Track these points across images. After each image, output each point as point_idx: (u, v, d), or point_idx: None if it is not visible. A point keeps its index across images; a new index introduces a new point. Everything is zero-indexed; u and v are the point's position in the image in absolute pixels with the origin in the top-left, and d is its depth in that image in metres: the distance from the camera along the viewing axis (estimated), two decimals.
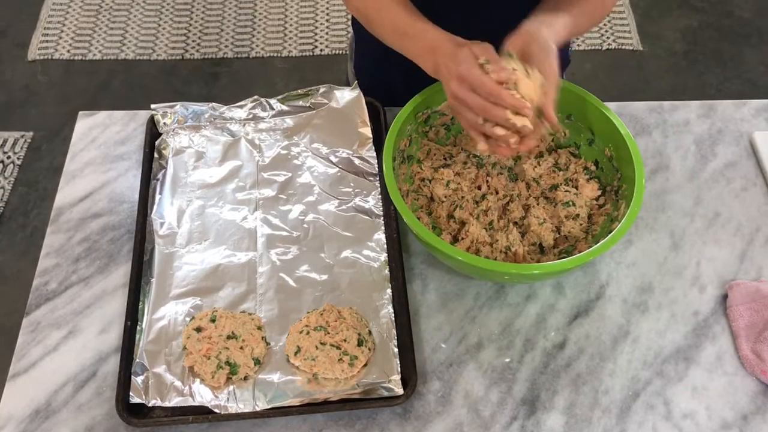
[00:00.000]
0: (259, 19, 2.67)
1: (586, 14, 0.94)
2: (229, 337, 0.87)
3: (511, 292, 0.96)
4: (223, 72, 2.52)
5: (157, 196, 1.00)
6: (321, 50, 2.58)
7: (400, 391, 0.84)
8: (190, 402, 0.83)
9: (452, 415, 0.86)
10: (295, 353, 0.86)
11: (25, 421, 0.84)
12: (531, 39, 0.84)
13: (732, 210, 1.05)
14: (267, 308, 0.91)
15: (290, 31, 2.64)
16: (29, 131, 2.32)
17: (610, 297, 0.96)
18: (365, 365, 0.86)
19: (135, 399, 0.83)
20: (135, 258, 0.94)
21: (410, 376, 0.85)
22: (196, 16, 2.68)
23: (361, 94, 1.09)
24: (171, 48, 2.58)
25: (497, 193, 1.00)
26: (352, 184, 1.03)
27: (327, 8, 2.71)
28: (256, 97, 1.10)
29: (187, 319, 0.90)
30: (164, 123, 1.07)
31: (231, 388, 0.84)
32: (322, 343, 0.86)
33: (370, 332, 0.89)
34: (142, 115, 1.13)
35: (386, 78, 1.17)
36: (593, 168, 1.02)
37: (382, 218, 0.99)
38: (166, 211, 0.99)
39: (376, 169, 1.04)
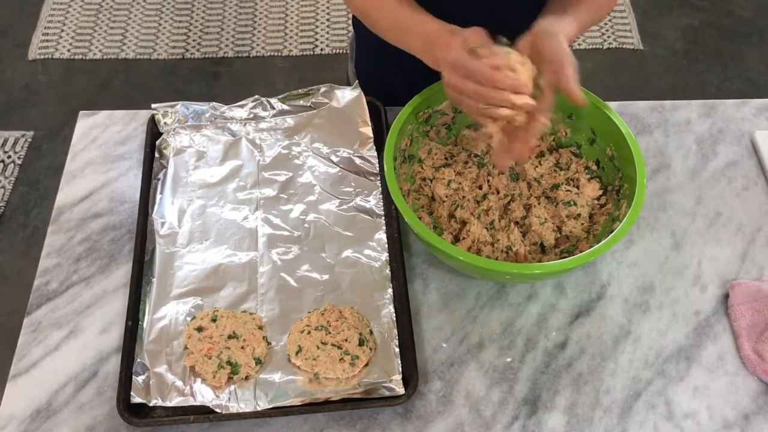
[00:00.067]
0: (260, 19, 2.67)
1: (592, 11, 0.95)
2: (230, 337, 0.87)
3: (512, 292, 0.96)
4: (224, 71, 2.52)
5: (158, 196, 1.00)
6: (322, 49, 2.58)
7: (401, 390, 0.84)
8: (191, 402, 0.83)
9: (453, 415, 0.86)
10: (297, 353, 0.86)
11: (26, 421, 0.84)
12: (540, 35, 0.84)
13: (733, 209, 1.04)
14: (268, 308, 0.91)
15: (291, 31, 2.64)
16: (30, 131, 2.32)
17: (611, 297, 0.96)
18: (366, 365, 0.86)
19: (136, 399, 0.83)
20: (136, 258, 0.94)
21: (411, 375, 0.85)
22: (197, 15, 2.68)
23: (362, 94, 1.09)
24: (171, 47, 2.58)
25: (498, 192, 1.00)
26: (353, 184, 1.03)
27: (328, 7, 2.71)
28: (256, 96, 1.10)
29: (188, 318, 0.90)
30: (165, 122, 1.07)
31: (232, 387, 0.84)
32: (323, 343, 0.86)
33: (371, 332, 0.89)
34: (143, 115, 1.13)
35: (387, 77, 1.17)
36: (594, 167, 1.02)
37: (383, 218, 0.99)
38: (167, 210, 0.99)
39: (377, 168, 1.04)
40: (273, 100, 1.10)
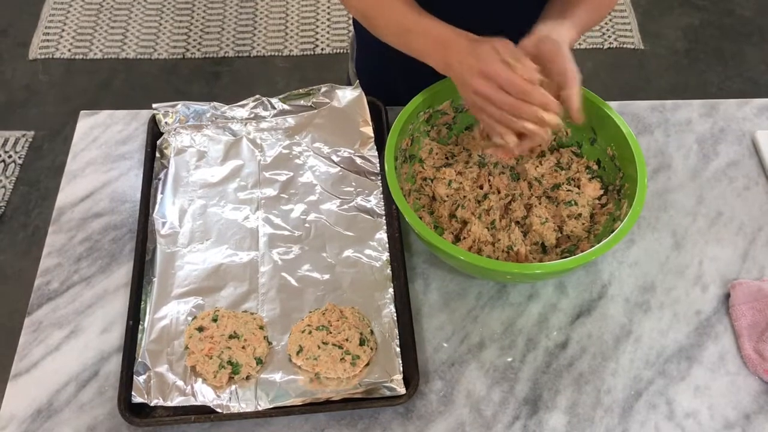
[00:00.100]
0: (261, 18, 2.67)
1: (592, 11, 0.95)
2: (231, 337, 0.87)
3: (513, 292, 0.96)
4: (225, 71, 2.52)
5: (159, 196, 1.00)
6: (322, 49, 2.58)
7: (402, 390, 0.84)
8: (192, 401, 0.83)
9: (454, 415, 0.86)
10: (297, 353, 0.86)
11: (27, 421, 0.84)
12: (543, 40, 0.85)
13: (734, 209, 1.04)
14: (269, 308, 0.91)
15: (291, 30, 2.64)
16: (30, 130, 2.32)
17: (612, 296, 0.96)
18: (367, 365, 0.86)
19: (137, 398, 0.83)
20: (137, 257, 0.94)
21: (412, 375, 0.85)
22: (197, 15, 2.68)
23: (363, 94, 1.09)
24: (172, 47, 2.58)
25: (499, 192, 1.00)
26: (353, 184, 1.03)
27: (328, 7, 2.70)
28: (257, 96, 1.10)
29: (189, 318, 0.90)
30: (166, 122, 1.07)
31: (233, 387, 0.84)
32: (324, 343, 0.86)
33: (372, 332, 0.89)
34: (144, 115, 1.13)
35: (388, 77, 1.17)
36: (595, 167, 1.01)
37: (383, 218, 0.99)
38: (167, 210, 0.99)
39: (378, 168, 1.04)
40: (274, 100, 1.10)
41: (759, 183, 1.07)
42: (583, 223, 0.97)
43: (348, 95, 1.10)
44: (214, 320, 0.88)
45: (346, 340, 0.86)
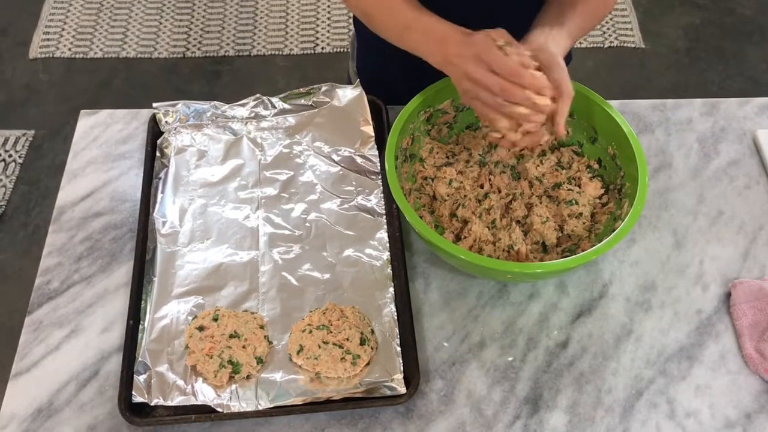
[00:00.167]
0: (261, 17, 2.67)
1: (588, 14, 0.95)
2: (231, 336, 0.87)
3: (513, 291, 0.96)
4: (225, 70, 2.52)
5: (159, 195, 1.00)
6: (323, 48, 2.58)
7: (402, 390, 0.84)
8: (192, 401, 0.83)
9: (455, 414, 0.86)
10: (298, 352, 0.86)
11: (27, 420, 0.84)
12: (540, 52, 0.85)
13: (735, 208, 1.04)
14: (269, 307, 0.91)
15: (292, 29, 2.63)
16: (31, 130, 2.32)
17: (613, 295, 0.96)
18: (368, 364, 0.86)
19: (137, 398, 0.83)
20: (137, 257, 0.94)
21: (413, 375, 0.85)
22: (198, 14, 2.68)
23: (363, 93, 1.09)
24: (172, 46, 2.58)
25: (500, 191, 1.00)
26: (354, 183, 1.03)
27: (328, 6, 2.70)
28: (258, 95, 1.10)
29: (190, 318, 0.90)
30: (166, 121, 1.07)
31: (233, 387, 0.84)
32: (324, 342, 0.86)
33: (372, 331, 0.89)
34: (144, 114, 1.13)
35: (388, 76, 1.17)
36: (596, 166, 1.01)
37: (384, 217, 0.99)
38: (168, 209, 0.99)
39: (379, 167, 1.04)
40: (274, 99, 1.10)
41: (760, 182, 1.07)
42: (584, 223, 0.97)
43: (348, 94, 1.10)
44: (215, 320, 0.88)
45: (347, 339, 0.86)
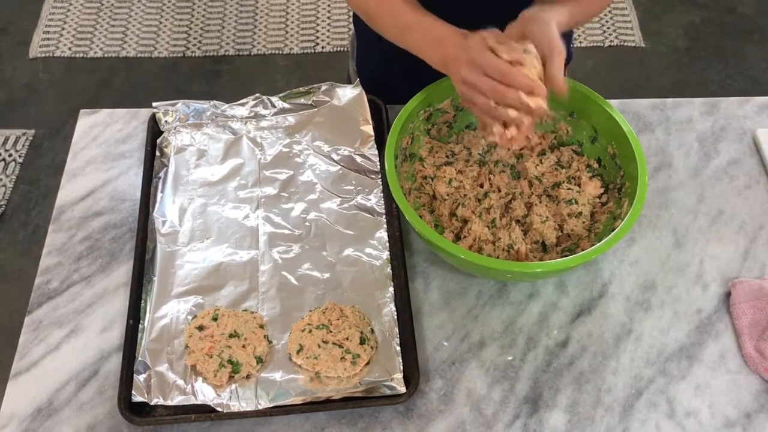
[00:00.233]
0: (261, 17, 2.67)
1: (585, 4, 0.95)
2: (231, 336, 0.87)
3: (513, 291, 0.96)
4: (225, 69, 2.52)
5: (159, 195, 1.00)
6: (323, 48, 2.58)
7: (402, 389, 0.84)
8: (192, 401, 0.83)
9: (455, 414, 0.86)
10: (298, 352, 0.86)
11: (27, 420, 0.84)
12: (530, 21, 0.85)
13: (735, 207, 1.04)
14: (269, 306, 0.91)
15: (292, 29, 2.63)
16: (31, 129, 2.32)
17: (612, 295, 0.96)
18: (367, 363, 0.86)
19: (137, 397, 0.83)
20: (137, 256, 0.94)
21: (413, 374, 0.85)
22: (198, 13, 2.68)
23: (363, 92, 1.09)
24: (172, 45, 2.57)
25: (500, 191, 1.00)
26: (354, 182, 1.03)
27: (328, 5, 2.70)
28: (257, 95, 1.10)
29: (189, 317, 0.90)
30: (166, 121, 1.07)
31: (233, 386, 0.84)
32: (324, 342, 0.86)
33: (372, 330, 0.89)
34: (144, 113, 1.13)
35: (388, 75, 1.17)
36: (596, 166, 1.01)
37: (384, 216, 0.99)
38: (167, 209, 0.99)
39: (378, 167, 1.04)
40: (274, 99, 1.10)
41: (760, 181, 1.07)
42: (584, 222, 0.96)
43: (348, 94, 1.09)
44: (215, 319, 0.88)
45: (347, 339, 0.86)
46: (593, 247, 0.84)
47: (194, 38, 2.60)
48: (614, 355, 0.91)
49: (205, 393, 0.83)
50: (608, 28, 2.63)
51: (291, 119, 1.09)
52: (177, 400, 0.83)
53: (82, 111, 1.14)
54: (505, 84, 0.81)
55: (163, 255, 0.95)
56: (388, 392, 0.84)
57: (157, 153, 1.05)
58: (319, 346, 0.86)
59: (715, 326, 0.93)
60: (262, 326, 0.89)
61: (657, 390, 0.88)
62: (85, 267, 0.97)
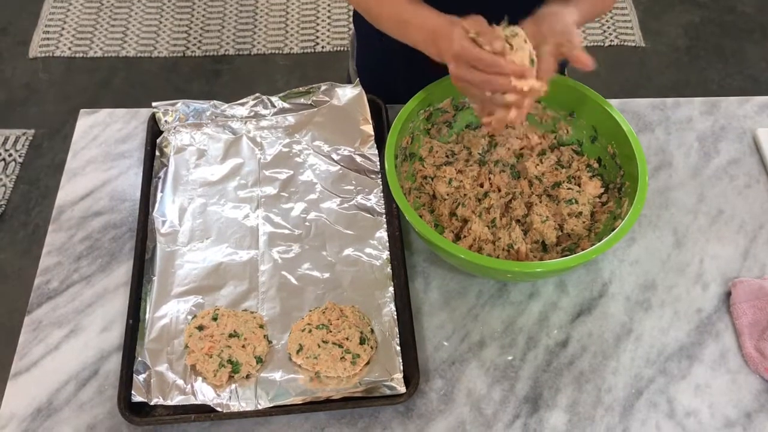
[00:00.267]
0: (261, 16, 2.67)
1: (592, 3, 0.95)
2: (231, 336, 0.87)
3: (513, 290, 0.96)
4: (225, 69, 2.52)
5: (159, 194, 1.00)
6: (323, 47, 2.58)
7: (402, 389, 0.84)
8: (192, 400, 0.83)
9: (455, 414, 0.86)
10: (297, 351, 0.86)
11: (27, 420, 0.84)
12: (545, 17, 0.85)
13: (735, 207, 1.04)
14: (269, 306, 0.91)
15: (292, 28, 2.63)
16: (30, 129, 2.32)
17: (613, 295, 0.96)
18: (367, 363, 0.86)
19: (137, 397, 0.83)
20: (136, 256, 0.94)
21: (413, 374, 0.85)
22: (198, 13, 2.68)
23: (363, 92, 1.09)
24: (172, 45, 2.57)
25: (500, 190, 0.99)
26: (353, 182, 1.03)
27: (328, 5, 2.70)
28: (257, 94, 1.10)
29: (189, 317, 0.90)
30: (166, 121, 1.07)
31: (233, 386, 0.84)
32: (324, 342, 0.86)
33: (372, 330, 0.89)
34: (144, 113, 1.13)
35: (388, 75, 1.17)
36: (596, 165, 1.01)
37: (384, 216, 0.99)
38: (167, 209, 0.99)
39: (378, 166, 1.04)
40: (274, 98, 1.09)
41: (760, 181, 1.07)
42: (584, 222, 0.96)
43: (348, 93, 1.09)
44: (214, 319, 0.88)
45: (347, 338, 0.86)
46: (593, 246, 0.84)
47: (194, 38, 2.60)
48: (614, 355, 0.90)
49: (204, 393, 0.83)
50: (608, 27, 2.63)
51: (291, 119, 1.09)
52: (177, 400, 0.83)
53: (82, 111, 1.14)
54: (493, 74, 0.81)
55: (163, 255, 0.95)
56: (388, 392, 0.84)
57: (157, 153, 1.05)
58: (319, 346, 0.86)
59: (715, 326, 0.93)
60: (261, 326, 0.89)
61: (657, 390, 0.88)
62: (85, 267, 0.97)
